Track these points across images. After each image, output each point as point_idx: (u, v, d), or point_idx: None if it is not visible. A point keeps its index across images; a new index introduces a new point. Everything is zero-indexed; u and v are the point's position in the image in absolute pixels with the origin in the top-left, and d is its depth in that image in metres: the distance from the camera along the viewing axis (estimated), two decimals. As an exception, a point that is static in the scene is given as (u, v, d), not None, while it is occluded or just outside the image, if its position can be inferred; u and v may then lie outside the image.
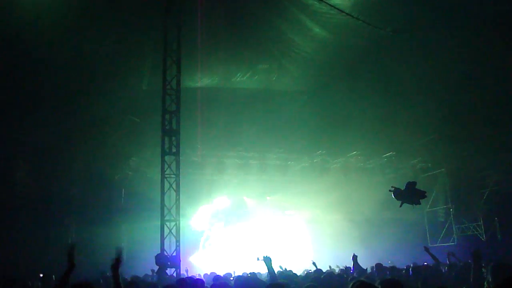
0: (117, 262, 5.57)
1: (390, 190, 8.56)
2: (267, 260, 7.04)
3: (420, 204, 8.65)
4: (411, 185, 8.68)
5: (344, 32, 14.16)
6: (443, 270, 10.21)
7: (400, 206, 8.62)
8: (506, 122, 17.05)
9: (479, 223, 21.27)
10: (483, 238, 20.91)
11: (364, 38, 14.43)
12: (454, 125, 18.82)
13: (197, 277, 10.65)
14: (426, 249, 10.08)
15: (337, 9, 12.99)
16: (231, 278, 9.67)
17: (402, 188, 8.74)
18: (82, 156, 19.12)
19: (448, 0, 12.85)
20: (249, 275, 10.13)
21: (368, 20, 13.32)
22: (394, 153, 22.61)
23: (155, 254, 12.44)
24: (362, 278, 6.67)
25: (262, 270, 11.23)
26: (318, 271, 9.97)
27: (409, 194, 8.63)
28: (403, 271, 9.97)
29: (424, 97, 16.87)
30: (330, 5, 12.87)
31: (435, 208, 23.57)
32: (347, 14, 13.07)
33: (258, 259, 7.28)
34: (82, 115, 16.79)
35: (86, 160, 19.33)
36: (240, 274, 10.92)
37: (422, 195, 8.65)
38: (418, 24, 13.79)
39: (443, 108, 17.59)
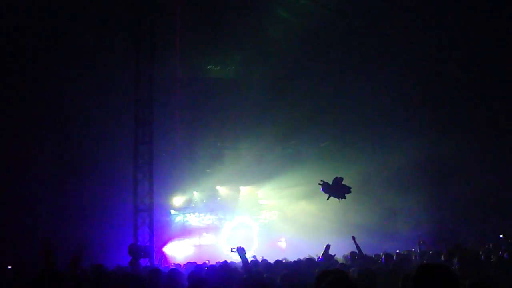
0: (76, 259, 5.56)
1: (319, 184, 9.08)
2: (241, 251, 7.05)
3: (345, 198, 9.21)
4: (338, 180, 9.20)
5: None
6: (413, 258, 10.47)
7: (327, 199, 9.16)
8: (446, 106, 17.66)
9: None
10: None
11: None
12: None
13: (172, 267, 10.61)
14: (353, 238, 10.34)
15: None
16: (206, 268, 9.65)
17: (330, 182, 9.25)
18: (51, 145, 18.72)
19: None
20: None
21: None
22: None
23: (128, 245, 12.34)
24: (337, 268, 6.76)
25: (236, 260, 11.25)
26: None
27: (336, 188, 9.13)
28: (378, 260, 10.13)
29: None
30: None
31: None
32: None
33: (232, 250, 7.29)
34: (50, 104, 16.46)
35: (55, 149, 18.95)
36: (214, 264, 10.91)
37: (347, 190, 9.21)
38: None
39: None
